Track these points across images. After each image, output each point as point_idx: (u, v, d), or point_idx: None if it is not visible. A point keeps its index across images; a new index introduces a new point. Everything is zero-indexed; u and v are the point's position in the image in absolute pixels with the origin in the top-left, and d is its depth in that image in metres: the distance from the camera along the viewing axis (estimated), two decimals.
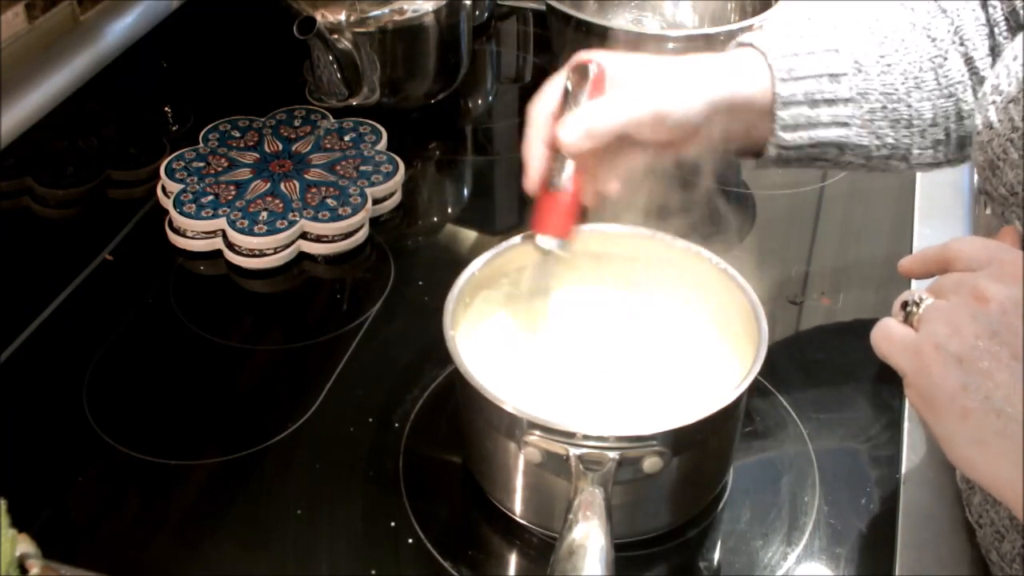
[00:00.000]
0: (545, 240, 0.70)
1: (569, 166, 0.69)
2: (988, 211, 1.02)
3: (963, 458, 0.49)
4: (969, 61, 0.72)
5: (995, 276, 0.49)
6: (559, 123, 0.68)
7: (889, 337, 0.51)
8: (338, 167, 0.96)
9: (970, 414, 0.47)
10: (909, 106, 0.72)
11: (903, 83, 0.72)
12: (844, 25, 0.74)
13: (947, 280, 0.51)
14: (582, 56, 0.70)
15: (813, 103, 0.72)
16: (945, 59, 0.72)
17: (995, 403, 0.46)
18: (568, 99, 0.69)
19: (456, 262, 0.72)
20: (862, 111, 0.72)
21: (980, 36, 0.72)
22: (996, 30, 0.72)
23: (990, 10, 0.73)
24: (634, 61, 0.71)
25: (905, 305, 0.51)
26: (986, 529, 0.63)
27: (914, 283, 0.85)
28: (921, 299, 0.51)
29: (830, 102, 0.72)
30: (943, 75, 0.72)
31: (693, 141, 0.70)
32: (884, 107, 0.72)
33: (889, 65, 0.72)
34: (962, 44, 0.72)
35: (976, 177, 0.90)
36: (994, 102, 0.62)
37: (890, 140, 0.73)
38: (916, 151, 0.74)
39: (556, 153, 0.69)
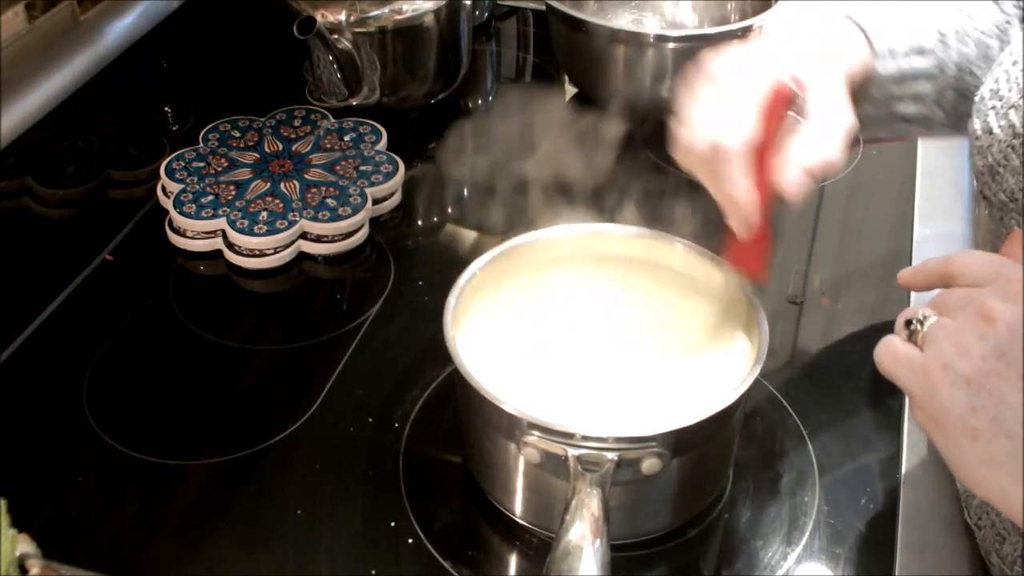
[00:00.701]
0: (745, 283, 0.67)
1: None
2: (980, 213, 1.02)
3: (974, 479, 0.48)
4: None
5: (1001, 294, 0.48)
6: (780, 170, 0.61)
7: (894, 356, 0.51)
8: (338, 167, 0.96)
9: (980, 435, 0.46)
10: (973, 75, 0.71)
11: (976, 53, 0.71)
12: None
13: (952, 297, 0.50)
14: (780, 79, 0.62)
15: (901, 79, 0.71)
16: (1009, 24, 0.71)
17: (1004, 424, 0.46)
18: (772, 133, 0.62)
19: (456, 262, 0.72)
20: (938, 85, 0.72)
21: None
22: None
23: None
24: (806, 69, 0.64)
25: (909, 323, 0.51)
26: (986, 531, 0.63)
27: (913, 294, 0.85)
28: (925, 317, 0.50)
29: (915, 78, 0.71)
30: (1005, 42, 0.71)
31: None
32: (955, 78, 0.71)
33: (967, 36, 0.71)
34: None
35: (975, 182, 0.90)
36: (994, 107, 0.61)
37: (951, 109, 0.73)
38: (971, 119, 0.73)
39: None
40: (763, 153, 0.62)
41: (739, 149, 0.61)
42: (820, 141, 0.62)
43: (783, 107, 0.62)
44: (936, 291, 0.53)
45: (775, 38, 0.67)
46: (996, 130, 0.60)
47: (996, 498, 0.48)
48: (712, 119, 0.62)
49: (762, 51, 0.65)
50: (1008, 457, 0.46)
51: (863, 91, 0.71)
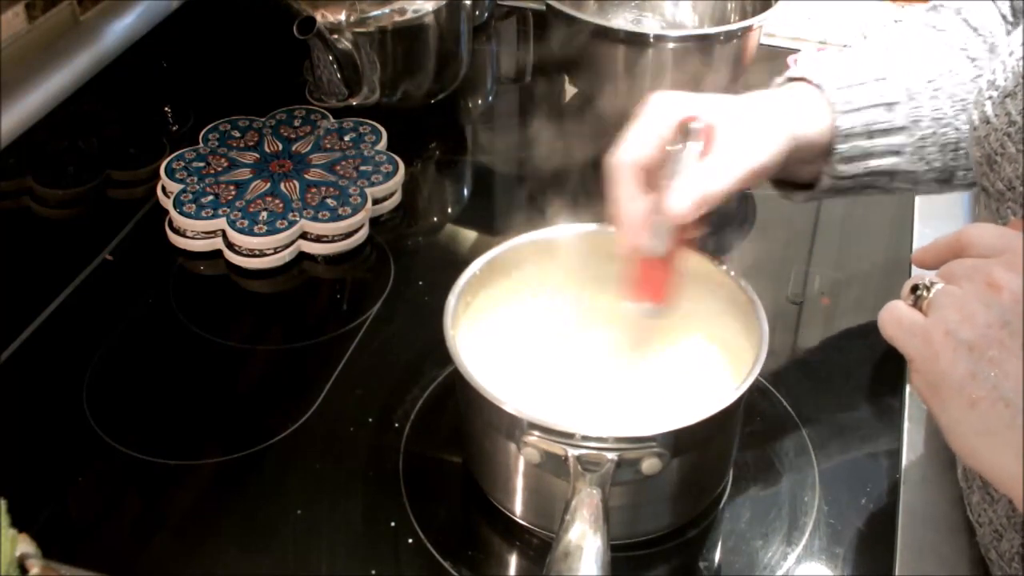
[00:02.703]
0: (643, 308, 0.66)
1: (666, 229, 0.64)
2: (980, 209, 1.02)
3: (967, 448, 0.48)
4: None
5: (1009, 264, 0.48)
6: (669, 191, 0.63)
7: (898, 320, 0.51)
8: (338, 167, 0.96)
9: (977, 403, 0.47)
10: (957, 129, 0.72)
11: (951, 107, 0.72)
12: (892, 52, 0.74)
13: (959, 266, 0.50)
14: (684, 112, 0.65)
15: (870, 134, 0.72)
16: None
17: (1003, 393, 0.46)
18: (671, 161, 0.64)
19: (456, 262, 0.72)
20: (914, 138, 0.72)
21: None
22: (1013, 24, 0.73)
23: (1001, 7, 0.73)
24: (722, 111, 0.67)
25: (915, 289, 0.51)
26: (985, 528, 0.63)
27: (914, 273, 0.85)
28: (932, 284, 0.50)
29: (885, 132, 0.72)
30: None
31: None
32: (934, 132, 0.72)
33: (937, 90, 0.72)
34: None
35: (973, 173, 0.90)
36: (990, 97, 0.62)
37: (938, 164, 0.74)
38: (961, 172, 0.74)
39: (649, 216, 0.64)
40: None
41: (623, 171, 0.65)
42: (713, 173, 0.64)
43: (689, 144, 0.65)
44: None
45: (711, 96, 0.69)
46: (993, 119, 0.61)
47: (989, 467, 0.48)
48: (620, 143, 0.66)
49: (687, 96, 0.68)
50: (1005, 426, 0.46)
51: (828, 148, 0.72)
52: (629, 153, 0.65)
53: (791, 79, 0.75)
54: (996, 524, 0.61)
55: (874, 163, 0.73)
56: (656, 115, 0.66)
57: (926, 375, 0.49)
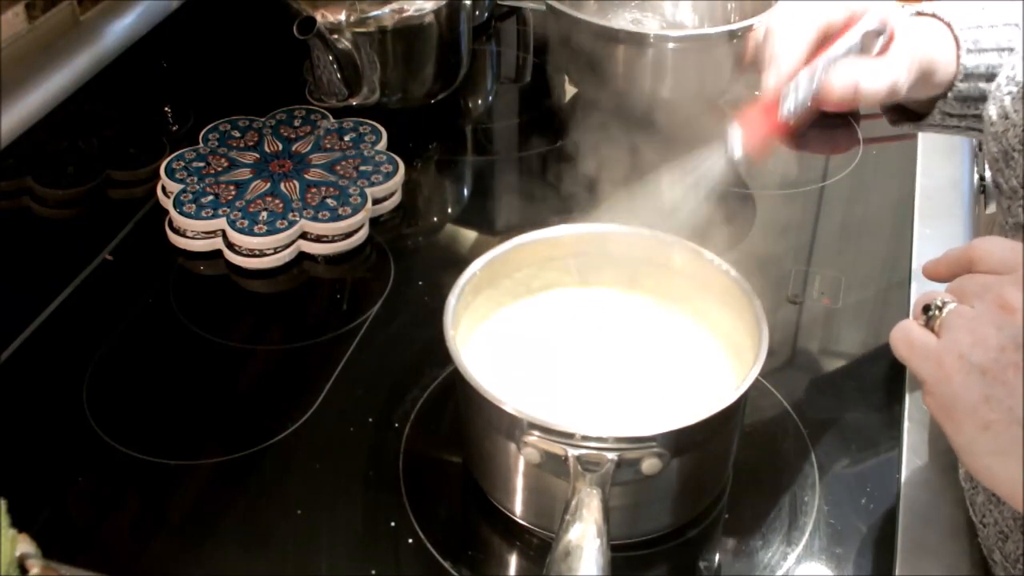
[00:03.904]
0: (739, 145, 0.69)
1: (804, 98, 0.68)
2: (989, 209, 1.02)
3: (982, 468, 0.48)
4: None
5: (1021, 283, 0.48)
6: (834, 67, 0.68)
7: (910, 343, 0.50)
8: (338, 167, 0.96)
9: (992, 425, 0.46)
10: None
11: None
12: None
13: (970, 283, 0.50)
14: (878, 14, 0.70)
15: (991, 77, 0.71)
16: None
17: (1018, 415, 0.46)
18: (843, 43, 0.69)
19: (456, 262, 0.72)
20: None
21: None
22: None
23: None
24: (901, 23, 0.71)
25: (927, 309, 0.50)
26: (989, 529, 0.63)
27: (912, 289, 0.85)
28: (943, 303, 0.50)
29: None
30: None
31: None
32: None
33: None
34: None
35: (987, 170, 0.90)
36: (1010, 92, 0.61)
37: None
38: None
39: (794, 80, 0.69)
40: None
41: (802, 31, 0.69)
42: (875, 71, 0.68)
43: (874, 44, 0.70)
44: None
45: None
46: (1012, 114, 0.60)
47: (1004, 487, 0.48)
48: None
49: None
50: (1019, 447, 0.46)
51: (948, 83, 0.73)
52: (809, 20, 0.69)
53: (920, 14, 0.75)
54: (1001, 525, 0.61)
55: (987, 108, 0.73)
56: (838, 3, 0.70)
57: (939, 398, 0.48)
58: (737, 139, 0.69)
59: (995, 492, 0.51)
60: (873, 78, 0.68)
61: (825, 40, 0.70)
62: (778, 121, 0.69)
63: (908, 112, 0.79)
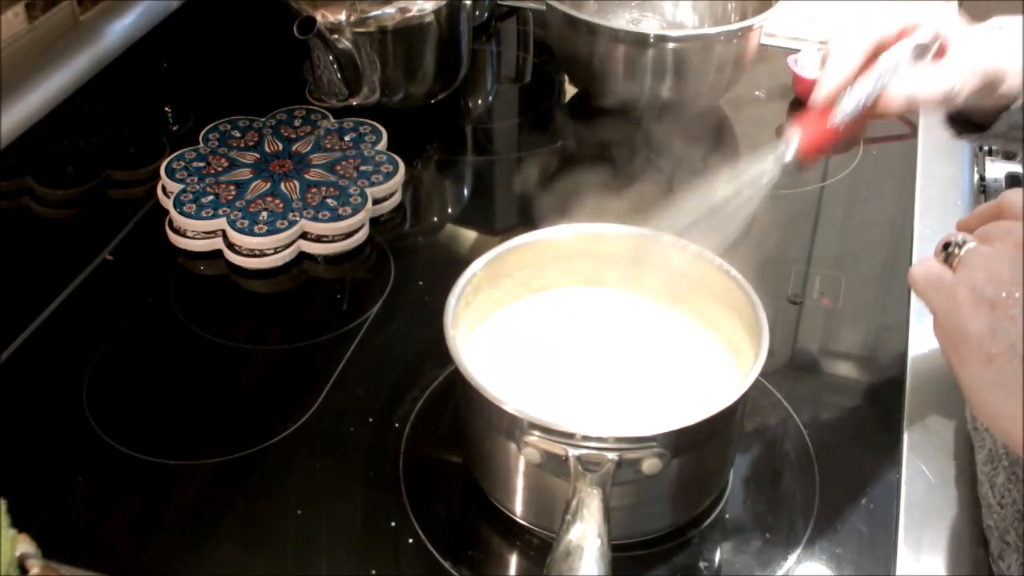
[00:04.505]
0: (792, 150, 0.71)
1: (857, 106, 0.69)
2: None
3: (984, 403, 0.49)
4: None
5: None
6: (890, 76, 0.69)
7: (926, 275, 0.52)
8: (338, 167, 0.96)
9: (995, 359, 0.48)
10: None
11: None
12: None
13: (993, 227, 0.52)
14: (931, 27, 0.71)
15: None
16: None
17: (1020, 350, 0.47)
18: (896, 53, 0.70)
19: (456, 262, 0.72)
20: None
21: None
22: None
23: None
24: (953, 29, 0.72)
25: (947, 246, 0.52)
26: (1007, 509, 0.62)
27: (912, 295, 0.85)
28: (964, 241, 0.51)
29: None
30: None
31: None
32: None
33: None
34: None
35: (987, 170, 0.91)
36: None
37: None
38: None
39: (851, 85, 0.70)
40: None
41: (860, 42, 0.70)
42: (934, 76, 0.69)
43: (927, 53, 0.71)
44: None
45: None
46: None
47: (1003, 423, 0.49)
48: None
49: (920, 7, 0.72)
50: (1020, 382, 0.47)
51: (1014, 94, 0.73)
52: (871, 31, 0.70)
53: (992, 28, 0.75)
54: (1020, 504, 0.61)
55: None
56: (891, 17, 0.71)
57: (947, 330, 0.50)
58: (791, 144, 0.71)
59: (995, 430, 0.52)
60: (929, 85, 0.69)
61: (879, 51, 0.71)
62: (830, 128, 0.70)
63: (972, 124, 0.79)
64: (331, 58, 0.98)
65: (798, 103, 1.11)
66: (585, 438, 0.58)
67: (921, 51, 0.71)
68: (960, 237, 0.52)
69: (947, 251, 0.52)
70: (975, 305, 0.48)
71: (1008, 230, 0.50)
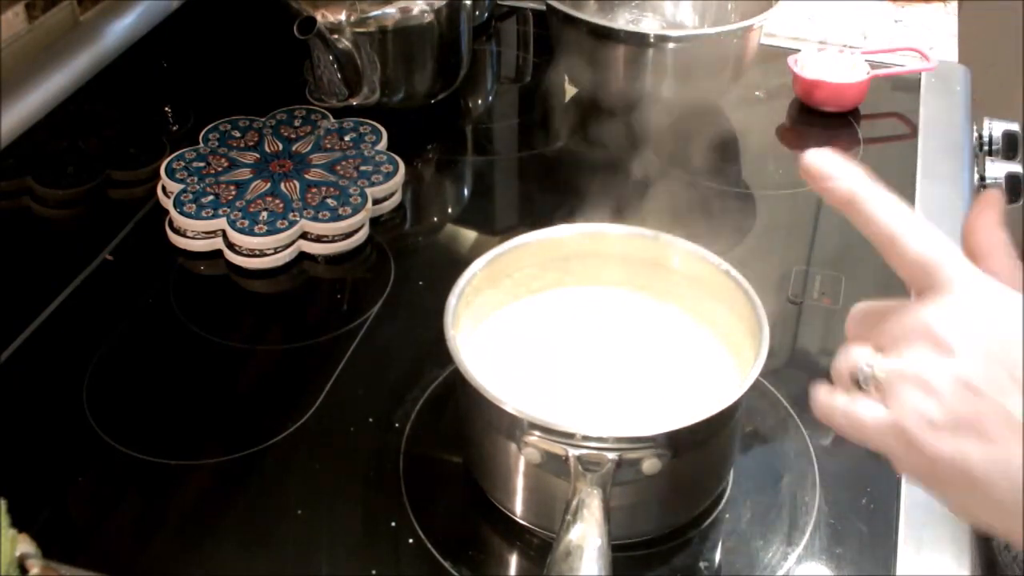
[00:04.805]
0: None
1: None
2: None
3: (987, 518, 0.44)
4: None
5: (943, 317, 0.43)
6: None
7: (859, 423, 0.46)
8: (338, 167, 0.96)
9: (977, 483, 0.42)
10: None
11: None
12: None
13: (889, 330, 0.46)
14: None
15: None
16: None
17: (999, 462, 0.42)
18: None
19: (456, 262, 0.72)
20: None
21: None
22: None
23: None
24: None
25: (858, 377, 0.46)
26: None
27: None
28: (872, 365, 0.46)
29: None
30: None
31: None
32: None
33: None
34: None
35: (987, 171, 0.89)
36: None
37: None
38: None
39: None
40: None
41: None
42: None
43: None
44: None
45: None
46: None
47: (1001, 525, 0.44)
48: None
49: None
50: (1012, 499, 0.42)
51: None
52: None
53: None
54: None
55: None
56: None
57: (915, 468, 0.45)
58: None
59: (996, 534, 0.47)
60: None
61: None
62: None
63: None
64: (331, 58, 0.98)
65: (798, 103, 1.11)
66: (585, 438, 0.58)
67: None
68: (865, 362, 0.45)
69: (860, 382, 0.46)
70: (933, 432, 0.42)
71: (906, 329, 0.44)
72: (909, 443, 0.44)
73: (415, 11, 1.01)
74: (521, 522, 0.67)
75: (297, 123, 1.02)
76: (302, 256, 0.90)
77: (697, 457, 0.63)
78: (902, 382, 0.44)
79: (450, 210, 1.03)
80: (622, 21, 1.15)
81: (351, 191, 0.92)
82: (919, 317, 0.45)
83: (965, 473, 0.43)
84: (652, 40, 1.02)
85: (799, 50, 1.13)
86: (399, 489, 0.70)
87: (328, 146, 0.99)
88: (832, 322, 0.86)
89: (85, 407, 0.76)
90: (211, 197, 0.91)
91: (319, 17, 0.96)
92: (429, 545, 0.66)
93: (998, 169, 1.04)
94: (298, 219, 0.89)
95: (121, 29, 1.07)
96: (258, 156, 0.97)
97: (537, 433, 0.59)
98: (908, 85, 1.14)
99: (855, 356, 0.47)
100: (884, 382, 0.45)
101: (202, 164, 0.96)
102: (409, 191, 0.98)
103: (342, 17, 0.99)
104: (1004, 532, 0.45)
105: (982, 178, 1.03)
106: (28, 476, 0.70)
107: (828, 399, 0.48)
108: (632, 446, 0.59)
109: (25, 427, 0.74)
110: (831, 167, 0.49)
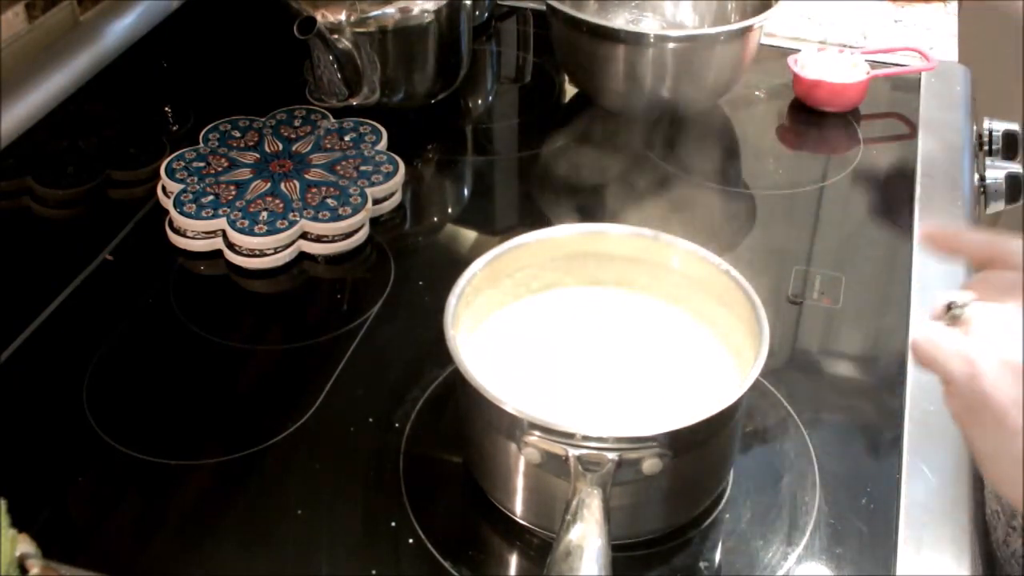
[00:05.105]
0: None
1: None
2: (989, 209, 1.01)
3: (1007, 478, 0.45)
4: None
5: None
6: None
7: (935, 341, 0.47)
8: (338, 167, 0.96)
9: (1021, 431, 0.43)
10: None
11: None
12: None
13: (998, 279, 0.48)
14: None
15: None
16: None
17: None
18: None
19: (456, 262, 0.72)
20: None
21: None
22: None
23: None
24: None
25: (951, 306, 0.48)
26: None
27: (912, 295, 0.85)
28: (967, 301, 0.47)
29: None
30: None
31: None
32: None
33: None
34: None
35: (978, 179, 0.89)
36: None
37: None
38: None
39: None
40: None
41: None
42: None
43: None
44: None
45: None
46: None
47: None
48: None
49: None
50: None
51: None
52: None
53: None
54: None
55: None
56: None
57: (966, 399, 0.45)
58: None
59: (1015, 502, 0.48)
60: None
61: None
62: None
63: None
64: (331, 58, 0.98)
65: (798, 103, 1.11)
66: (585, 438, 0.58)
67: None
68: (960, 297, 0.47)
69: (951, 312, 0.47)
70: (1000, 372, 0.44)
71: (1014, 283, 0.46)
72: (974, 372, 0.45)
73: (415, 11, 1.01)
74: (521, 522, 0.67)
75: (297, 123, 1.02)
76: (302, 256, 0.90)
77: (697, 457, 0.63)
78: (991, 320, 0.46)
79: (450, 210, 1.03)
80: (622, 21, 1.15)
81: (351, 191, 0.92)
82: (1017, 277, 0.47)
83: (1010, 421, 0.44)
84: (652, 40, 1.02)
85: (799, 50, 1.13)
86: (399, 489, 0.70)
87: (328, 146, 0.99)
88: (832, 322, 0.86)
89: (85, 407, 0.76)
90: (211, 197, 0.91)
91: (319, 17, 0.96)
92: (429, 545, 0.66)
93: (998, 169, 1.04)
94: (298, 219, 0.89)
95: (121, 29, 1.06)
96: (258, 156, 0.97)
97: (537, 433, 0.59)
98: (908, 85, 1.14)
99: (952, 292, 0.49)
100: (974, 316, 0.47)
101: (202, 164, 0.96)
102: (409, 191, 0.98)
103: (342, 17, 0.99)
104: (1014, 498, 0.46)
105: (982, 178, 1.03)
106: (28, 476, 0.71)
107: (920, 326, 0.49)
108: (632, 446, 0.59)
109: (25, 427, 0.74)
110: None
